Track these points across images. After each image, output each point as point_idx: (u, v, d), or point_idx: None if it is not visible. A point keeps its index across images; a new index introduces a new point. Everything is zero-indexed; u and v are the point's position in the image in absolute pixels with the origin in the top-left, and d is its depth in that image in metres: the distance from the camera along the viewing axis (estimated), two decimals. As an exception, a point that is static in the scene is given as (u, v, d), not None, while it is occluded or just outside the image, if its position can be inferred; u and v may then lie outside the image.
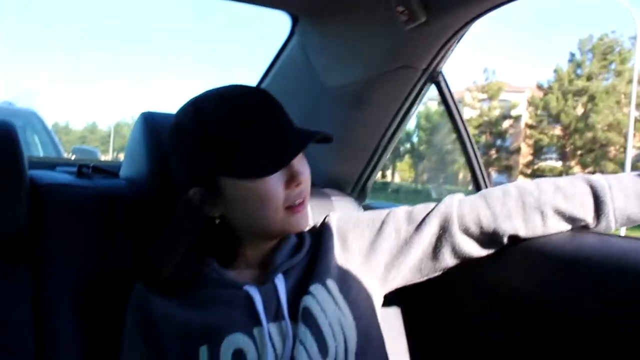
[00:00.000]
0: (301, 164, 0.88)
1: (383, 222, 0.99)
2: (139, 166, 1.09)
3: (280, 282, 0.89)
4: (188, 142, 0.86)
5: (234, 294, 0.87)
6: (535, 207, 0.92)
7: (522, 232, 0.94)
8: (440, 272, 0.99)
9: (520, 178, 25.87)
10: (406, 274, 0.98)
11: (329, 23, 1.36)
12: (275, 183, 0.84)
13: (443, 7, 1.11)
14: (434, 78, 1.32)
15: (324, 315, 0.86)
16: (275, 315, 0.86)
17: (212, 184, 0.85)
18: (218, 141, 0.83)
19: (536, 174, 25.40)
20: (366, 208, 1.52)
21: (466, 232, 0.95)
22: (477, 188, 1.38)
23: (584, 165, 23.86)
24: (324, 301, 0.88)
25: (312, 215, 1.02)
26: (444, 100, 1.36)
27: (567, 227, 0.94)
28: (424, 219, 0.96)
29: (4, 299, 0.90)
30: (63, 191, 1.01)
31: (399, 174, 29.18)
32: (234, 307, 0.86)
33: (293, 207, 0.86)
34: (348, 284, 0.93)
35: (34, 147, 3.83)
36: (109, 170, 1.18)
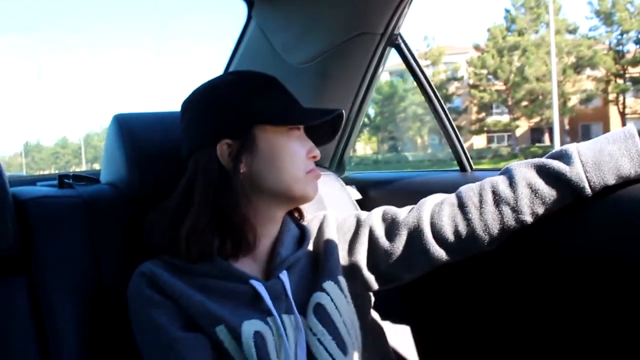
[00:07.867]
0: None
1: (360, 227, 0.99)
2: (118, 169, 1.09)
3: (285, 277, 0.90)
4: (228, 95, 0.92)
5: (239, 289, 0.87)
6: (513, 217, 0.89)
7: (497, 238, 0.92)
8: (417, 275, 0.98)
9: (473, 137, 26.52)
10: (385, 277, 0.98)
11: (282, 2, 1.37)
12: (300, 146, 0.93)
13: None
14: (393, 41, 1.35)
15: (338, 313, 0.89)
16: (284, 310, 0.87)
17: (248, 135, 0.90)
18: (259, 93, 0.92)
19: (484, 130, 26.12)
20: (346, 180, 1.55)
21: (440, 241, 0.93)
22: (451, 143, 1.43)
23: (528, 116, 24.64)
24: (338, 299, 0.90)
25: None
26: (406, 62, 1.38)
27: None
28: (397, 226, 0.95)
29: (4, 313, 0.90)
30: (47, 202, 1.01)
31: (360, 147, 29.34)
32: (242, 300, 0.86)
33: (312, 171, 0.94)
34: (351, 282, 0.95)
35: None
36: (90, 177, 1.17)
